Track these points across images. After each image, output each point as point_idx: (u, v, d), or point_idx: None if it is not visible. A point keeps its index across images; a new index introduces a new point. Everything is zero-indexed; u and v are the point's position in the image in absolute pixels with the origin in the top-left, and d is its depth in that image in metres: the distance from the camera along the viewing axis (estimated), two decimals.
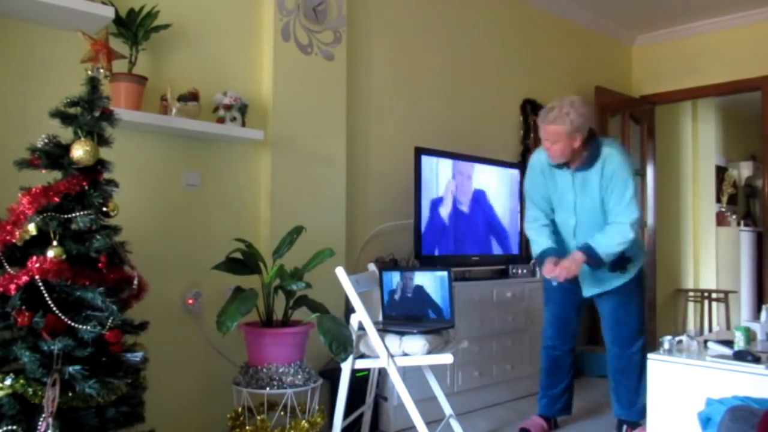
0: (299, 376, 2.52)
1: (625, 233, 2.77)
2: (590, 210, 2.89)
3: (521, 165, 4.40)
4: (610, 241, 2.79)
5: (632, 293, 3.02)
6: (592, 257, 2.79)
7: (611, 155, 2.82)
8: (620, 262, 2.90)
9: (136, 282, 2.09)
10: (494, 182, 3.98)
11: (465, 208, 3.76)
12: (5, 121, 2.36)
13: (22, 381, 1.78)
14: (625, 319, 3.00)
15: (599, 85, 5.11)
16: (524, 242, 4.27)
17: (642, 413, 2.93)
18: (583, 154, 2.83)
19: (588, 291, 3.02)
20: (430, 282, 2.72)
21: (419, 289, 2.74)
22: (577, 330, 3.19)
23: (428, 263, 3.44)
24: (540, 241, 2.98)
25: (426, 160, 3.49)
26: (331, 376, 2.92)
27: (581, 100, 2.82)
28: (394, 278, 2.80)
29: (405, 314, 2.76)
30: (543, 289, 3.21)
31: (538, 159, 3.00)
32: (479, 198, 3.86)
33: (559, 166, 2.90)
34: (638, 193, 2.89)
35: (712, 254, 6.80)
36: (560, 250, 2.95)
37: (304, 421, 2.49)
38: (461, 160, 3.74)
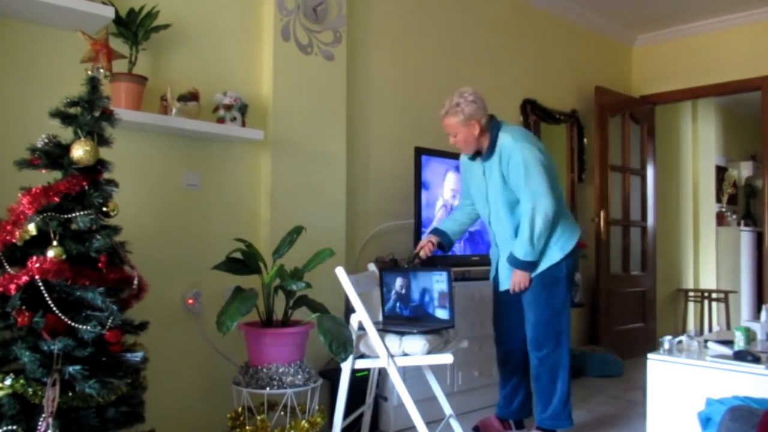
0: (299, 376, 2.52)
1: (531, 221, 2.69)
2: (498, 199, 2.82)
3: None
4: (522, 237, 2.72)
5: (540, 292, 2.83)
6: (518, 263, 2.77)
7: (505, 141, 2.77)
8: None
9: (136, 282, 2.09)
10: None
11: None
12: (5, 121, 2.36)
13: (22, 381, 1.78)
14: (531, 319, 2.86)
15: (599, 85, 5.11)
16: None
17: (555, 419, 2.86)
18: (485, 143, 2.85)
19: (503, 284, 2.93)
20: (430, 282, 2.71)
21: (419, 289, 2.74)
22: (522, 328, 2.94)
23: (428, 263, 3.44)
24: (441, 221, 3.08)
25: (426, 160, 3.49)
26: (331, 376, 2.92)
27: (472, 89, 2.87)
28: (394, 278, 2.80)
29: (405, 314, 2.76)
30: None
31: (462, 155, 3.05)
32: None
33: (473, 158, 2.93)
34: (544, 176, 2.71)
35: (712, 254, 6.80)
36: (445, 234, 3.04)
37: (304, 421, 2.49)
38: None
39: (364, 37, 3.61)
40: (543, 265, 2.83)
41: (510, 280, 2.86)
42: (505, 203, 2.82)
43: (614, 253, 5.26)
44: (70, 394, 1.82)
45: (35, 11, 2.33)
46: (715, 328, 6.38)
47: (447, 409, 2.88)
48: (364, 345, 2.63)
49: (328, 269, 2.64)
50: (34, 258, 1.84)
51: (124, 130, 2.50)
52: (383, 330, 2.60)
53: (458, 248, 3.71)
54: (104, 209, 2.03)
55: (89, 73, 2.07)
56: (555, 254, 2.83)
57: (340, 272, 2.54)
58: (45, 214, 1.89)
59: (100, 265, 1.95)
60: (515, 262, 2.78)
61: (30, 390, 1.78)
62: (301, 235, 2.73)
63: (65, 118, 2.00)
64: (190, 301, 2.80)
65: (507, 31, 4.55)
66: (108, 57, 2.37)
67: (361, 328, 2.58)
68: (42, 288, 1.83)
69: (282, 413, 2.52)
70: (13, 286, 1.81)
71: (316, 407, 2.60)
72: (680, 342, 2.54)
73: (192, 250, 2.83)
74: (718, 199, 7.12)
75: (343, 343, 2.34)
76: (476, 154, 2.91)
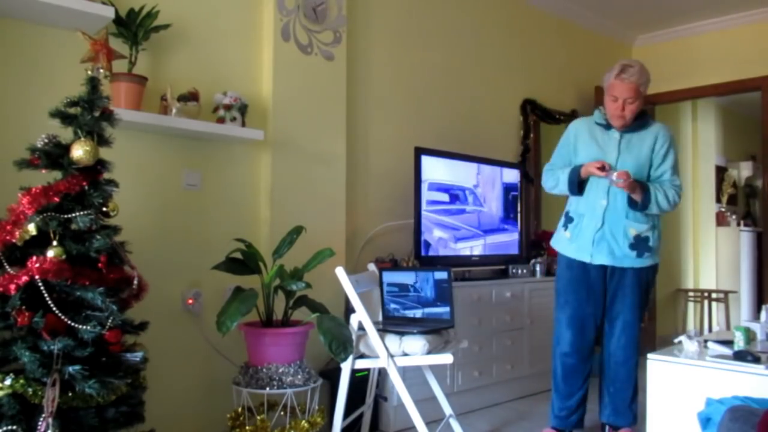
0: (299, 376, 2.52)
1: (676, 195, 2.79)
2: (630, 168, 2.78)
3: (521, 165, 4.41)
4: (664, 192, 2.76)
5: (639, 290, 2.87)
6: (644, 191, 2.73)
7: (666, 127, 2.90)
8: (641, 242, 2.80)
9: (136, 282, 2.09)
10: (494, 182, 3.98)
11: (465, 208, 3.76)
12: (5, 121, 2.36)
13: (22, 381, 1.78)
14: (629, 319, 2.89)
15: (599, 85, 5.09)
16: (524, 242, 4.28)
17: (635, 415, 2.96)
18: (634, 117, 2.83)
19: (597, 258, 2.81)
20: (430, 282, 2.71)
21: (419, 290, 2.74)
22: (595, 335, 2.98)
23: (428, 263, 3.44)
24: (563, 170, 2.90)
25: (426, 160, 3.49)
26: (331, 376, 2.92)
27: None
28: (394, 278, 2.80)
29: (405, 314, 2.76)
30: (556, 291, 3.01)
31: (579, 123, 3.00)
32: (479, 198, 3.86)
33: (607, 127, 2.87)
34: None
35: (712, 254, 6.80)
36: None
37: (304, 421, 2.50)
38: (461, 160, 3.74)
39: (364, 37, 3.61)
40: (652, 259, 2.85)
41: (604, 254, 2.80)
42: (636, 174, 2.78)
43: None
44: (70, 394, 1.82)
45: (35, 11, 2.33)
46: (715, 328, 6.38)
47: (447, 409, 2.88)
48: (364, 345, 2.63)
49: (328, 269, 2.65)
50: (34, 258, 1.83)
51: (124, 130, 2.50)
52: (383, 330, 2.61)
53: (458, 248, 3.71)
54: (104, 209, 2.03)
55: (89, 73, 2.07)
56: (657, 256, 2.90)
57: (340, 272, 2.54)
58: (45, 214, 1.89)
59: (100, 265, 1.95)
60: (644, 186, 2.75)
61: (30, 390, 1.78)
62: (301, 235, 2.73)
63: (65, 118, 2.00)
64: (190, 301, 2.80)
65: (507, 31, 4.54)
66: (108, 57, 2.36)
67: (361, 328, 2.59)
68: (42, 288, 1.83)
69: (282, 413, 2.52)
70: (13, 286, 1.81)
71: (316, 407, 2.60)
72: (680, 342, 2.54)
73: (192, 250, 2.83)
74: (718, 200, 7.11)
75: (343, 343, 2.34)
76: (608, 125, 2.87)
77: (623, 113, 2.77)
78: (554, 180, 2.96)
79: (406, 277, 2.77)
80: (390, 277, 2.81)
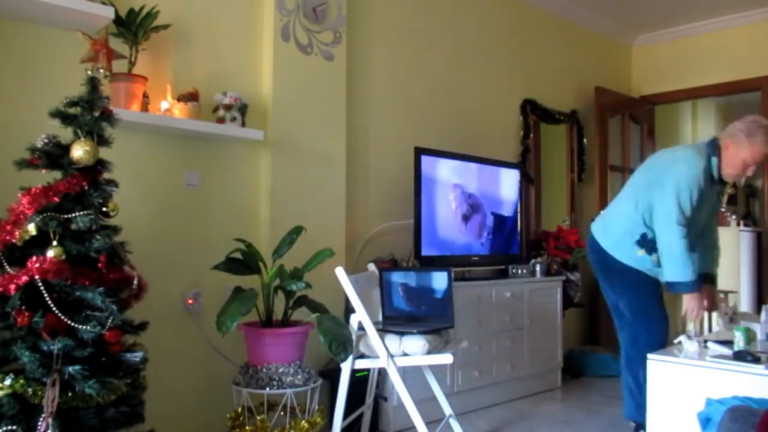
0: (299, 376, 2.52)
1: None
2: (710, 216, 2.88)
3: (521, 165, 4.41)
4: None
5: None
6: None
7: None
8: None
9: (136, 282, 2.09)
10: (494, 182, 3.98)
11: (465, 208, 3.76)
12: (5, 121, 2.36)
13: (21, 381, 1.78)
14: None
15: (599, 85, 5.11)
16: (524, 242, 4.28)
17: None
18: None
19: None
20: (430, 282, 2.71)
21: (419, 290, 2.74)
22: None
23: (428, 263, 3.44)
24: (689, 258, 2.65)
25: (426, 160, 3.49)
26: (331, 376, 2.92)
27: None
28: (394, 278, 2.80)
29: (405, 314, 2.76)
30: (633, 284, 2.89)
31: (702, 170, 2.69)
32: (479, 198, 3.86)
33: (715, 180, 2.79)
34: None
35: None
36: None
37: (303, 421, 2.49)
38: (461, 160, 3.74)
39: (364, 37, 3.61)
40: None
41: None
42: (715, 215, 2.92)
43: None
44: (70, 394, 1.82)
45: (35, 11, 2.33)
46: (715, 328, 6.37)
47: (447, 409, 2.88)
48: (364, 345, 2.63)
49: (328, 269, 2.64)
50: (34, 258, 1.83)
51: (124, 130, 2.49)
52: (383, 330, 2.61)
53: (458, 248, 3.71)
54: (104, 209, 2.03)
55: (89, 73, 2.07)
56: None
57: (340, 272, 2.54)
58: (45, 214, 1.89)
59: (99, 265, 1.95)
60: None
61: (30, 390, 1.78)
62: (301, 235, 2.73)
63: (65, 118, 2.00)
64: (190, 301, 2.80)
65: (507, 31, 4.54)
66: (108, 57, 2.36)
67: (361, 328, 2.59)
68: (42, 288, 1.83)
69: (282, 413, 2.52)
70: (12, 286, 1.81)
71: (316, 407, 2.60)
72: (679, 342, 2.53)
73: (192, 250, 2.83)
74: None
75: (343, 343, 2.34)
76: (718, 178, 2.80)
77: (747, 173, 2.72)
78: (686, 253, 2.67)
79: (406, 277, 2.77)
80: (390, 277, 2.81)
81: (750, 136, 2.62)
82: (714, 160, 2.71)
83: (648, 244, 2.81)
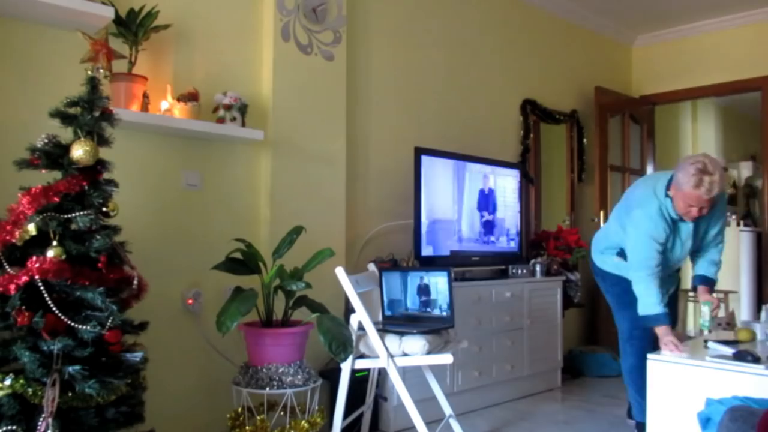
0: (299, 376, 2.52)
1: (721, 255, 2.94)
2: (690, 247, 2.88)
3: (521, 165, 4.41)
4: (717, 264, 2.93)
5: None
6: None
7: (724, 198, 2.86)
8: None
9: (136, 282, 2.09)
10: (494, 182, 3.98)
11: (465, 208, 3.76)
12: (5, 121, 2.36)
13: (21, 381, 1.78)
14: None
15: (599, 85, 5.11)
16: (524, 242, 4.28)
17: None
18: None
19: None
20: (430, 282, 2.71)
21: (419, 289, 2.74)
22: None
23: (428, 263, 3.44)
24: (655, 297, 2.68)
25: (426, 160, 3.49)
26: (331, 376, 2.92)
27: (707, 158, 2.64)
28: (394, 278, 2.80)
29: (405, 314, 2.76)
30: (612, 283, 3.03)
31: (665, 209, 2.71)
32: (479, 198, 3.86)
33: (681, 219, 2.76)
34: None
35: None
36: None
37: (303, 421, 2.49)
38: (461, 160, 3.74)
39: (364, 37, 3.61)
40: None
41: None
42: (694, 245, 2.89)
43: None
44: (70, 394, 1.82)
45: (35, 11, 2.33)
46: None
47: (447, 409, 2.88)
48: (364, 345, 2.63)
49: (328, 269, 2.64)
50: (34, 258, 1.83)
51: (124, 130, 2.49)
52: (383, 330, 2.61)
53: (458, 248, 3.71)
54: (104, 209, 2.03)
55: (89, 73, 2.07)
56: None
57: (340, 272, 2.54)
58: (45, 214, 1.89)
59: (99, 265, 1.95)
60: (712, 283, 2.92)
61: (30, 390, 1.78)
62: (301, 235, 2.73)
63: (65, 118, 2.00)
64: (190, 301, 2.80)
65: (507, 31, 4.55)
66: (108, 57, 2.36)
67: (361, 328, 2.59)
68: (42, 288, 1.83)
69: (282, 413, 2.52)
70: (12, 286, 1.81)
71: (316, 407, 2.60)
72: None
73: (192, 250, 2.83)
74: None
75: (343, 343, 2.34)
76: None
77: (700, 213, 2.65)
78: (648, 288, 2.70)
79: (406, 277, 2.77)
80: (390, 277, 2.81)
81: (678, 184, 2.60)
82: (668, 201, 2.71)
83: (624, 253, 2.96)
